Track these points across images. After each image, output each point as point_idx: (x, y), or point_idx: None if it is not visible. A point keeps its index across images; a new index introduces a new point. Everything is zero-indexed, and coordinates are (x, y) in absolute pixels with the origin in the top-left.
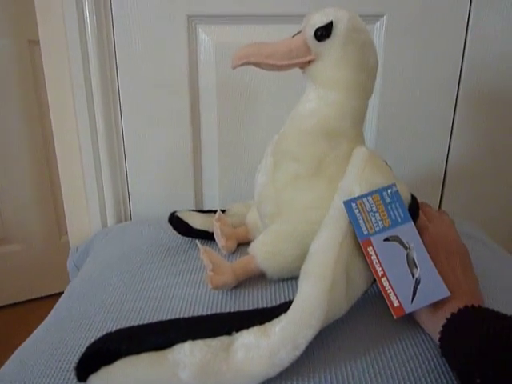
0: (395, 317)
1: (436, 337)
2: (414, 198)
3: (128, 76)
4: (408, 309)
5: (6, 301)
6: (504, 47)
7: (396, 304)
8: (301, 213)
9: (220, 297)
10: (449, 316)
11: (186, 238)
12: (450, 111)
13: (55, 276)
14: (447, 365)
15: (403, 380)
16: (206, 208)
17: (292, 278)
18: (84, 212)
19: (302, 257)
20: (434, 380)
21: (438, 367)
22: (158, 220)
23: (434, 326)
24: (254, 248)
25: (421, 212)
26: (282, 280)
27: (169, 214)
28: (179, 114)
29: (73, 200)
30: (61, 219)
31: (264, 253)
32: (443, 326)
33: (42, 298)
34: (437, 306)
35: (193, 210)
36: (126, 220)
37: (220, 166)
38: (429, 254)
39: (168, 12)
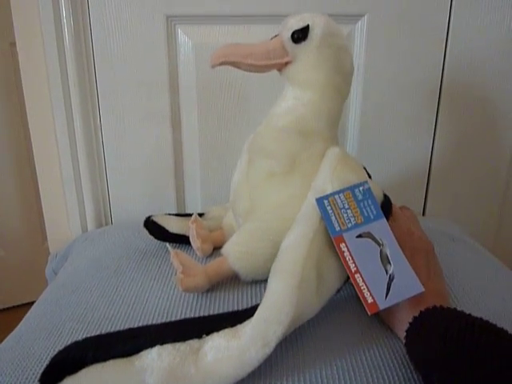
0: (369, 313)
1: (402, 336)
2: (386, 196)
3: (106, 77)
4: (382, 305)
5: None
6: (485, 47)
7: (370, 300)
8: (275, 210)
9: (194, 301)
10: (411, 319)
11: (163, 243)
12: (432, 112)
13: (38, 283)
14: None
15: None
16: (188, 211)
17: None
18: (64, 217)
19: (275, 256)
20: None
21: (416, 376)
22: (138, 224)
23: (402, 327)
24: (226, 249)
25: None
26: (259, 282)
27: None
28: (159, 115)
29: (52, 205)
30: (43, 225)
31: (237, 253)
32: (410, 324)
33: (23, 305)
34: (403, 306)
35: (170, 214)
36: (106, 224)
37: (202, 167)
38: (409, 256)
39: (147, 12)
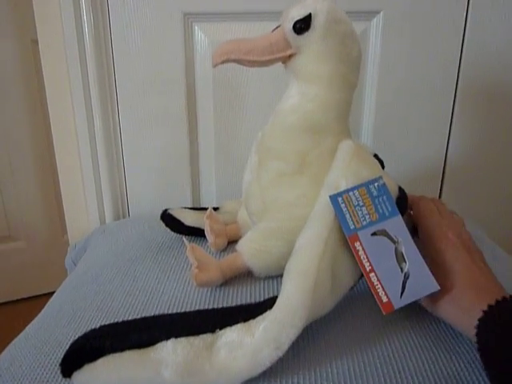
0: (384, 313)
1: (471, 333)
2: (402, 190)
3: (125, 75)
4: (397, 304)
5: (10, 297)
6: (502, 44)
7: (385, 300)
8: (285, 210)
9: (208, 294)
10: (485, 308)
11: (180, 236)
12: (448, 109)
13: (58, 273)
14: (434, 364)
15: (389, 378)
16: (203, 205)
17: (281, 276)
18: (83, 210)
19: (289, 254)
20: (420, 379)
21: (426, 366)
22: (155, 217)
23: (467, 321)
24: (241, 245)
25: (435, 207)
26: (272, 278)
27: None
28: (176, 113)
29: (72, 198)
30: (63, 217)
31: (251, 250)
32: (480, 320)
33: (44, 295)
34: (465, 298)
35: (185, 208)
36: (123, 217)
37: (217, 163)
38: (445, 248)
39: (164, 10)
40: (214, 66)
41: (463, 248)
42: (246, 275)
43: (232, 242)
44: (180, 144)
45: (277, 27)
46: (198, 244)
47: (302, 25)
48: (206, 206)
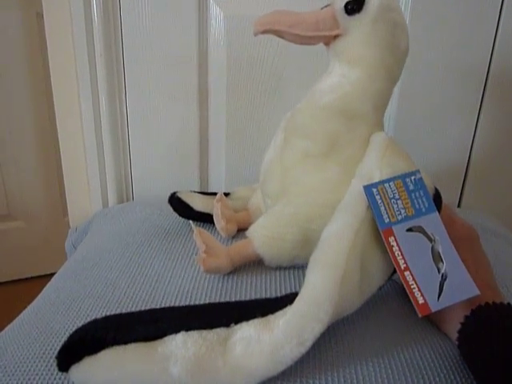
0: (420, 315)
1: (454, 336)
2: (437, 189)
3: (134, 51)
4: (434, 307)
5: (8, 277)
6: None
7: (421, 301)
8: (306, 194)
9: (219, 285)
10: (468, 313)
11: (186, 221)
12: (477, 100)
13: (58, 254)
14: (467, 374)
15: None
16: (211, 190)
17: (296, 267)
18: (85, 192)
19: (303, 244)
20: None
21: (458, 378)
22: (160, 201)
23: (452, 324)
24: (252, 231)
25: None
26: (287, 269)
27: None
28: (187, 92)
29: (74, 179)
30: (65, 198)
31: (262, 237)
32: (462, 324)
33: (43, 277)
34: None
35: (195, 192)
36: (127, 200)
37: (227, 146)
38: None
39: None
40: (255, 34)
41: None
42: (256, 264)
43: (242, 230)
44: (189, 124)
45: (326, 6)
46: (206, 230)
47: (354, 6)
48: (216, 191)
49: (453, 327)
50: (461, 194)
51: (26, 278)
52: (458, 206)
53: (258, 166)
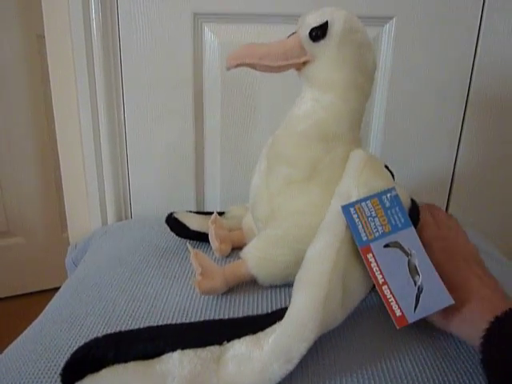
0: (398, 327)
1: (476, 344)
2: (413, 202)
3: (132, 72)
4: (411, 318)
5: (7, 293)
6: None
7: (398, 313)
8: (293, 218)
9: (214, 302)
10: (492, 319)
11: (184, 240)
12: (458, 117)
13: (56, 270)
14: (446, 377)
15: None
16: (207, 209)
17: (286, 285)
18: (84, 209)
19: (295, 263)
20: None
21: (432, 382)
22: (158, 220)
23: (472, 333)
24: (245, 253)
25: (431, 217)
26: (278, 287)
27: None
28: (182, 112)
29: (74, 197)
30: (63, 215)
31: (255, 258)
32: (486, 330)
33: (42, 292)
34: (468, 310)
35: (191, 212)
36: (126, 218)
37: (222, 166)
38: (444, 261)
39: (174, 9)
40: (228, 69)
41: (462, 260)
42: (250, 283)
43: (236, 249)
44: (185, 145)
45: (292, 33)
46: (202, 249)
47: (319, 32)
48: (211, 211)
49: (475, 335)
50: (446, 207)
51: (26, 294)
52: None
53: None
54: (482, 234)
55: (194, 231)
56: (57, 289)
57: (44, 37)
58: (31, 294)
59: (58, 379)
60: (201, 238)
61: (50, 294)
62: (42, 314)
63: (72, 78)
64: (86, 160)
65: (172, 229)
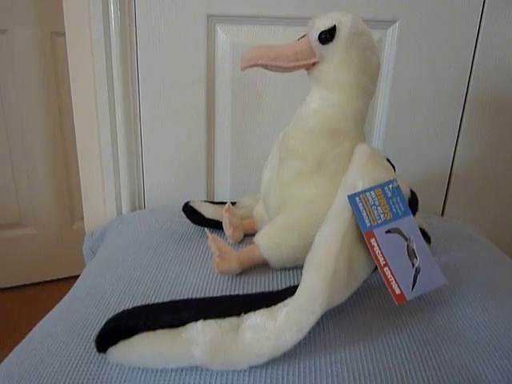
0: (397, 304)
1: None
2: (413, 192)
3: (148, 70)
4: (409, 296)
5: (19, 281)
6: None
7: (398, 292)
8: (303, 207)
9: (229, 282)
10: None
11: (198, 227)
12: (457, 116)
13: (66, 260)
14: (438, 355)
15: (397, 365)
16: (216, 199)
17: (296, 268)
18: (100, 199)
19: (304, 248)
20: (425, 367)
21: (431, 355)
22: (171, 209)
23: None
24: (258, 238)
25: None
26: (288, 269)
27: (182, 204)
28: (195, 109)
29: (90, 187)
30: (74, 206)
31: (268, 242)
32: None
33: (52, 281)
34: None
35: (205, 201)
36: (139, 209)
37: (232, 159)
38: None
39: (189, 11)
40: (243, 69)
41: None
42: (262, 266)
43: (248, 235)
44: (197, 140)
45: (302, 36)
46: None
47: (327, 35)
48: (223, 201)
49: None
50: (444, 203)
51: (37, 283)
52: (442, 214)
53: (259, 177)
54: (475, 225)
55: (208, 219)
56: (66, 278)
57: (57, 34)
58: (42, 283)
59: (91, 346)
60: (215, 225)
61: (59, 283)
62: (68, 293)
63: (90, 77)
64: (103, 153)
65: (188, 216)
